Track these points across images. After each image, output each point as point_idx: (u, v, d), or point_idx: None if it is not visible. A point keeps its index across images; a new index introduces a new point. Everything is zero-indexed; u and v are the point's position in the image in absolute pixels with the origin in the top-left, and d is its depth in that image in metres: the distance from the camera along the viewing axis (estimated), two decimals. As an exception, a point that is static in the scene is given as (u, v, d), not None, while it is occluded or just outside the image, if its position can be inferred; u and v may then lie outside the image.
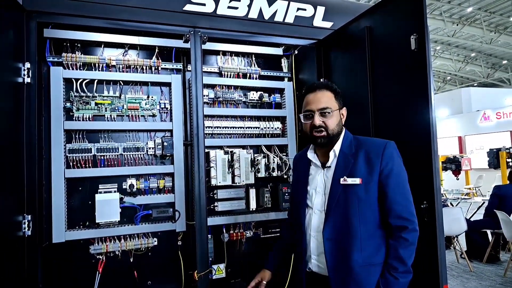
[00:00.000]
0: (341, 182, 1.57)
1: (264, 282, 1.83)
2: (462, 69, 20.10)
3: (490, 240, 5.44)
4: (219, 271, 2.72)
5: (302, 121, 1.67)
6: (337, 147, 1.65)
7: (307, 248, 1.66)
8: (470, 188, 10.29)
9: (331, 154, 1.64)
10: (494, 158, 11.26)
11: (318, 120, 1.60)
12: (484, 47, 16.76)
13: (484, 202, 6.71)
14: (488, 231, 5.58)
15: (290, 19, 2.69)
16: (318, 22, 2.75)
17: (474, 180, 11.93)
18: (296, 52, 3.01)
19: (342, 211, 1.56)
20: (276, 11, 2.65)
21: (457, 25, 14.29)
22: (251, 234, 2.86)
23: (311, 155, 1.72)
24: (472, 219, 6.00)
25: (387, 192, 1.53)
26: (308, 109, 1.63)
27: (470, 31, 14.85)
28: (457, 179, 9.22)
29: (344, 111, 1.68)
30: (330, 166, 1.64)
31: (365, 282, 1.52)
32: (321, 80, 2.70)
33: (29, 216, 2.08)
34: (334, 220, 1.57)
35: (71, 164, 2.45)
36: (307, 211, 1.69)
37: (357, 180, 1.55)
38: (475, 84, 21.16)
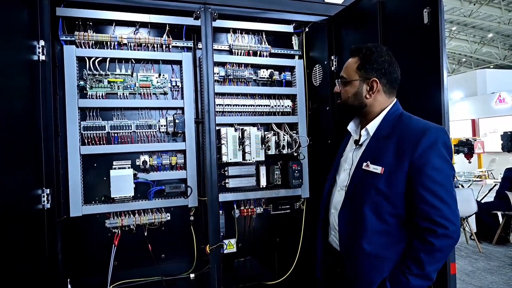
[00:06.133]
0: (363, 167, 1.44)
1: None
2: (478, 50, 19.54)
3: (500, 222, 5.43)
4: (230, 245, 2.80)
5: None
6: (373, 125, 1.50)
7: (329, 221, 1.64)
8: (482, 171, 10.17)
9: (363, 132, 1.52)
10: (508, 141, 11.04)
11: (336, 87, 1.61)
12: (502, 28, 16.20)
13: (495, 184, 6.65)
14: (499, 213, 5.56)
15: (301, -5, 2.65)
16: (329, -3, 2.71)
17: (486, 164, 11.78)
18: (307, 29, 2.98)
19: (358, 198, 1.44)
20: (287, -14, 2.61)
21: (474, 4, 13.82)
22: (261, 210, 2.91)
23: (350, 126, 1.63)
24: (483, 202, 5.96)
25: (415, 188, 1.31)
26: None
27: (487, 11, 14.35)
28: (470, 162, 9.10)
29: (374, 82, 1.47)
30: (361, 145, 1.53)
31: (369, 275, 1.39)
32: (332, 57, 2.69)
33: (48, 189, 2.16)
34: (350, 203, 1.47)
35: (86, 141, 2.51)
36: (334, 185, 1.64)
37: (378, 169, 1.38)
38: (491, 66, 20.58)
